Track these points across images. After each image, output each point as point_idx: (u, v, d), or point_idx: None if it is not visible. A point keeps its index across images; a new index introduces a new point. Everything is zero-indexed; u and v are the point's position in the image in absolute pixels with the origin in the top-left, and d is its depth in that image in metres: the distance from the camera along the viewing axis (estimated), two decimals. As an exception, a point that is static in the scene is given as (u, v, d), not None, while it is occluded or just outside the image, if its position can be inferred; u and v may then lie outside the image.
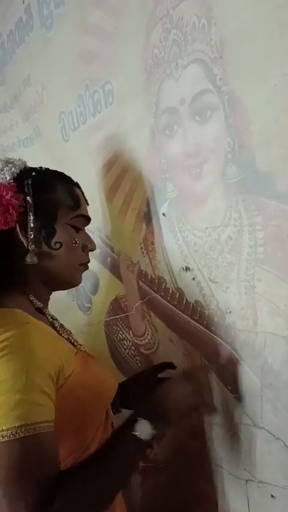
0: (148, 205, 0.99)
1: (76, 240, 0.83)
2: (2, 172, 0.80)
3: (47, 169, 0.85)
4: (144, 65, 0.93)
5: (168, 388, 0.80)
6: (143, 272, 1.03)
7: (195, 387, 0.82)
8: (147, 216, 1.00)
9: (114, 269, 1.14)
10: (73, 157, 1.21)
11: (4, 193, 0.76)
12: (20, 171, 0.81)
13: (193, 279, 0.89)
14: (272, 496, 0.75)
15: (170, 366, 0.95)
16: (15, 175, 0.80)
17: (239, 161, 0.75)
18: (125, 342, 1.14)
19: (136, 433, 0.71)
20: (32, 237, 0.77)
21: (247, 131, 0.73)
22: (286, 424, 0.72)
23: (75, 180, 0.88)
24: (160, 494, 1.05)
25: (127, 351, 1.14)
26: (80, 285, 0.90)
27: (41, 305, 0.79)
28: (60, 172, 0.86)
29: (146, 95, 0.94)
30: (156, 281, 1.00)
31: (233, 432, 0.83)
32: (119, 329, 1.16)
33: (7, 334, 0.66)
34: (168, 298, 0.96)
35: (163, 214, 0.95)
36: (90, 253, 0.89)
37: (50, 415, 0.65)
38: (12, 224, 0.77)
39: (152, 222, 0.99)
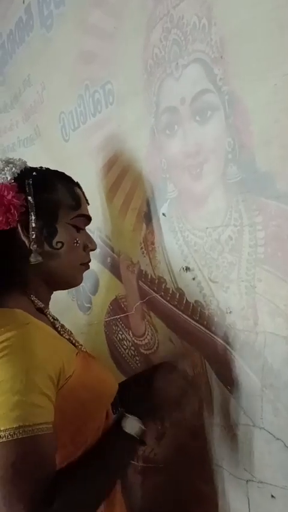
0: (148, 205, 0.99)
1: (77, 239, 0.83)
2: (3, 173, 0.80)
3: (48, 169, 0.86)
4: (144, 65, 0.93)
5: (153, 380, 0.80)
6: (143, 272, 1.03)
7: (179, 374, 0.81)
8: (147, 216, 1.00)
9: (114, 269, 1.14)
10: (73, 157, 1.21)
11: (5, 193, 0.76)
12: (21, 171, 0.81)
13: (193, 279, 0.89)
14: (272, 496, 0.75)
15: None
16: (16, 175, 0.80)
17: (239, 161, 0.75)
18: (125, 342, 1.14)
19: (126, 430, 0.71)
20: (33, 236, 0.78)
21: (247, 131, 0.73)
22: (286, 425, 0.72)
23: (75, 180, 0.89)
24: (160, 494, 1.05)
25: (127, 351, 1.14)
26: (80, 285, 0.90)
27: (42, 305, 0.79)
28: (61, 172, 0.87)
29: (146, 94, 0.94)
30: (156, 281, 0.99)
31: (233, 432, 0.83)
32: (118, 329, 1.16)
33: (8, 335, 0.66)
34: (168, 298, 0.96)
35: (163, 214, 0.95)
36: (90, 253, 0.89)
37: (49, 416, 0.65)
38: (13, 224, 0.77)
39: (152, 222, 0.99)
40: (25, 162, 0.84)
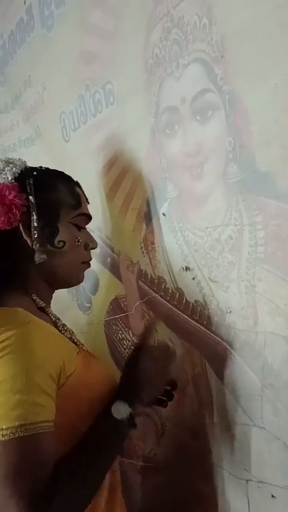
0: (148, 205, 0.99)
1: (78, 238, 0.83)
2: (4, 173, 0.80)
3: (47, 168, 0.86)
4: (144, 65, 0.93)
5: (138, 361, 0.79)
6: (143, 272, 1.03)
7: (159, 354, 0.80)
8: (147, 216, 1.00)
9: (114, 269, 1.14)
10: (74, 157, 1.21)
11: (7, 193, 0.76)
12: (21, 171, 0.81)
13: (193, 278, 0.89)
14: (273, 496, 0.75)
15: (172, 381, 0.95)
16: (17, 175, 0.80)
17: (240, 161, 0.75)
18: (125, 342, 1.14)
19: (114, 415, 0.71)
20: (36, 236, 0.78)
21: (247, 131, 0.73)
22: (286, 424, 0.72)
23: (76, 179, 0.89)
24: (160, 494, 1.05)
25: (127, 350, 1.13)
26: (80, 284, 0.90)
27: (44, 304, 0.79)
28: (61, 172, 0.87)
29: (147, 94, 0.94)
30: (156, 281, 0.99)
31: (233, 432, 0.83)
32: (118, 329, 1.16)
33: (8, 334, 0.66)
34: (168, 298, 0.96)
35: (163, 214, 0.95)
36: (90, 252, 0.89)
37: (50, 415, 0.65)
38: (15, 224, 0.77)
39: (152, 222, 0.99)
40: (25, 162, 0.84)
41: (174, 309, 0.94)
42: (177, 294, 0.93)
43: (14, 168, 0.81)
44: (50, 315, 0.81)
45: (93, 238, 0.89)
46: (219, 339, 0.84)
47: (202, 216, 0.85)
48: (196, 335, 0.89)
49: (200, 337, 0.88)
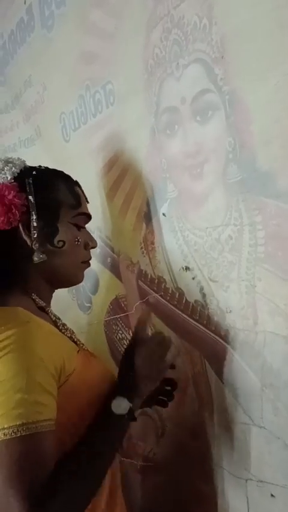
0: (148, 205, 0.99)
1: (78, 238, 0.83)
2: (3, 172, 0.80)
3: (47, 168, 0.86)
4: (145, 65, 0.93)
5: (131, 357, 0.78)
6: (143, 272, 1.03)
7: (154, 344, 0.79)
8: (147, 216, 1.00)
9: (114, 269, 1.14)
10: (74, 157, 1.21)
11: (6, 193, 0.76)
12: (21, 170, 0.81)
13: (193, 278, 0.89)
14: (272, 495, 0.75)
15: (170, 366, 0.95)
16: (16, 174, 0.80)
17: (240, 161, 0.75)
18: (125, 342, 1.14)
19: (114, 411, 0.71)
20: (35, 236, 0.77)
21: (248, 131, 0.73)
22: (286, 424, 0.72)
23: (75, 179, 0.89)
24: (160, 494, 1.05)
25: (127, 350, 1.14)
26: (80, 284, 0.90)
27: (44, 304, 0.79)
28: (60, 171, 0.87)
29: (147, 94, 0.94)
30: (156, 281, 1.00)
31: (232, 432, 0.83)
32: (118, 329, 1.16)
33: (8, 333, 0.66)
34: (168, 298, 0.96)
35: (163, 214, 0.95)
36: (90, 251, 0.89)
37: (51, 413, 0.65)
38: (15, 224, 0.77)
39: (152, 222, 0.99)
40: (24, 162, 0.84)
41: (174, 308, 0.94)
42: (177, 294, 0.93)
43: (14, 168, 0.80)
44: (50, 314, 0.81)
45: (92, 237, 0.89)
46: (219, 339, 0.84)
47: (202, 216, 0.85)
48: (196, 335, 0.89)
49: (200, 336, 0.88)
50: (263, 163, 0.71)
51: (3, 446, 0.61)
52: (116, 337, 1.16)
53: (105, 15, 1.04)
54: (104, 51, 1.06)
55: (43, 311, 0.79)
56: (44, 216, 0.79)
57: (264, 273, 0.73)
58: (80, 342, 0.84)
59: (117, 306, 1.15)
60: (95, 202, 1.11)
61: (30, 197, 0.78)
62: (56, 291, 0.87)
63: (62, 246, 0.81)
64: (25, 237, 0.78)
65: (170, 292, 0.96)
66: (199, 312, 0.88)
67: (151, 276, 1.01)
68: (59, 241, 0.80)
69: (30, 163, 0.85)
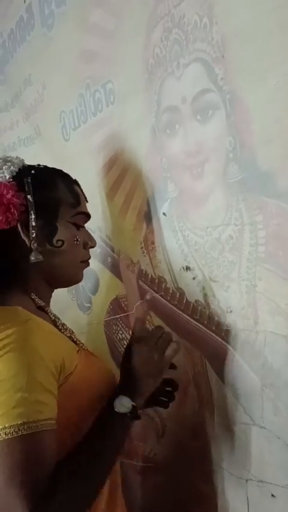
0: (149, 204, 0.99)
1: (77, 237, 0.83)
2: (1, 171, 0.79)
3: (46, 166, 0.85)
4: (145, 64, 0.93)
5: (131, 355, 0.78)
6: (143, 272, 1.03)
7: (153, 342, 0.79)
8: (147, 216, 1.00)
9: (115, 269, 1.14)
10: (74, 157, 1.21)
11: (5, 192, 0.76)
12: (19, 169, 0.81)
13: (193, 278, 0.89)
14: (273, 495, 0.75)
15: (171, 366, 0.94)
16: (15, 173, 0.79)
17: (240, 160, 0.75)
18: (125, 342, 1.13)
19: (116, 409, 0.71)
20: (34, 235, 0.77)
21: (248, 130, 0.73)
22: (287, 424, 0.72)
23: (75, 178, 0.88)
24: (160, 494, 1.05)
25: (127, 350, 1.13)
26: (80, 284, 0.90)
27: (43, 303, 0.79)
28: (59, 170, 0.86)
29: (147, 93, 0.94)
30: (157, 281, 0.99)
31: (233, 432, 0.83)
32: (118, 329, 1.16)
33: (8, 332, 0.66)
34: (169, 298, 0.96)
35: (164, 213, 0.95)
36: (90, 253, 0.89)
37: (52, 412, 0.65)
38: (13, 223, 0.76)
39: (152, 222, 0.99)
40: (23, 160, 0.84)
41: (174, 308, 0.94)
42: (178, 294, 0.93)
43: (12, 167, 0.80)
44: (50, 314, 0.81)
45: (92, 237, 0.88)
46: (220, 339, 0.84)
47: (202, 216, 0.85)
48: (197, 335, 0.89)
49: (200, 336, 0.88)
50: (263, 162, 0.71)
51: (5, 445, 0.61)
52: (116, 337, 1.16)
53: (105, 14, 1.04)
54: (104, 50, 1.06)
55: (42, 311, 0.79)
56: (43, 215, 0.79)
57: (265, 272, 0.72)
58: (79, 341, 0.84)
59: (117, 306, 1.15)
60: (95, 202, 1.10)
61: (28, 196, 0.78)
62: (55, 291, 0.87)
63: (61, 246, 0.80)
64: (23, 237, 0.77)
65: (170, 292, 0.95)
66: (200, 312, 0.88)
67: (151, 275, 1.01)
68: (58, 240, 0.80)
69: (30, 162, 0.85)
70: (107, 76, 1.06)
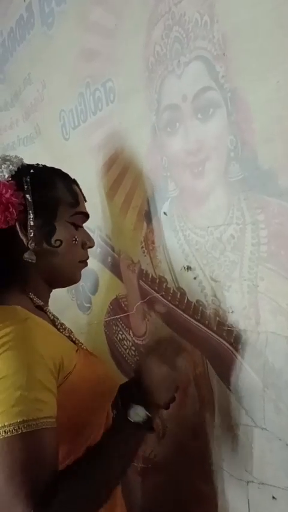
0: (149, 203, 0.99)
1: (76, 237, 0.83)
2: (0, 170, 0.79)
3: (45, 166, 0.85)
4: (145, 62, 0.93)
5: (144, 368, 0.79)
6: (144, 271, 1.03)
7: (167, 359, 0.80)
8: (148, 215, 0.99)
9: (115, 268, 1.14)
10: (74, 156, 1.20)
11: (3, 191, 0.75)
12: (18, 168, 0.80)
13: (194, 278, 0.88)
14: (274, 497, 0.75)
15: None
16: (13, 172, 0.79)
17: (242, 159, 0.74)
18: (125, 342, 1.13)
19: (130, 419, 0.70)
20: (32, 235, 0.77)
21: (249, 129, 0.72)
22: (288, 425, 0.72)
23: (75, 178, 0.88)
24: (160, 494, 1.04)
25: (127, 351, 1.13)
26: (79, 284, 0.89)
27: (41, 303, 0.79)
28: (58, 169, 0.86)
29: (148, 92, 0.93)
30: (157, 280, 0.99)
31: (234, 432, 0.83)
32: (119, 329, 1.15)
33: (7, 330, 0.66)
34: (169, 298, 0.95)
35: (164, 213, 0.94)
36: (90, 252, 0.89)
37: (52, 411, 0.65)
38: (12, 223, 0.76)
39: (153, 221, 0.98)
40: (22, 160, 0.83)
41: (175, 308, 0.94)
42: (179, 294, 0.93)
43: (11, 166, 0.80)
44: (48, 313, 0.81)
45: (90, 237, 0.88)
46: (221, 339, 0.83)
47: (203, 215, 0.84)
48: (198, 335, 0.88)
49: (201, 337, 0.87)
50: (264, 161, 0.71)
51: (4, 444, 0.60)
52: (116, 337, 1.16)
53: (105, 12, 1.03)
54: (105, 49, 1.05)
55: (41, 310, 0.79)
56: (41, 214, 0.79)
57: (267, 272, 0.72)
58: (78, 341, 0.83)
59: (117, 306, 1.14)
60: (95, 201, 1.10)
61: (27, 196, 0.77)
62: (54, 291, 0.86)
63: (59, 245, 0.80)
64: (21, 236, 0.77)
65: (171, 292, 0.95)
66: (201, 312, 0.88)
67: (152, 275, 1.00)
68: (56, 240, 0.80)
69: (30, 161, 0.85)
70: (107, 74, 1.05)
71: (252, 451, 0.79)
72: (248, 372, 0.78)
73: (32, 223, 0.77)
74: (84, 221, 0.88)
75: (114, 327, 1.16)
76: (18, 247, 0.77)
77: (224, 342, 0.82)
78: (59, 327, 0.81)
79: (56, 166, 0.87)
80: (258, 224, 0.73)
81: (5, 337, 0.65)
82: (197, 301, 0.88)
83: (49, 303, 0.85)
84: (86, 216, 0.88)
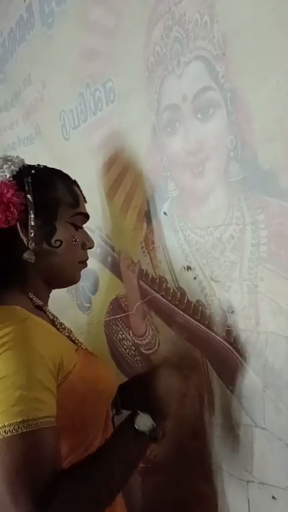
0: (149, 203, 0.99)
1: (76, 238, 0.83)
2: (1, 170, 0.79)
3: (45, 166, 0.85)
4: (145, 62, 0.93)
5: (153, 389, 0.79)
6: (144, 271, 1.03)
7: (181, 372, 0.81)
8: (148, 215, 0.99)
9: (115, 268, 1.14)
10: (74, 156, 1.20)
11: (5, 191, 0.76)
12: (19, 168, 0.81)
13: (194, 278, 0.88)
14: (274, 497, 0.75)
15: None
16: (15, 173, 0.79)
17: (242, 159, 0.74)
18: (125, 342, 1.13)
19: (136, 427, 0.71)
20: (32, 235, 0.77)
21: (249, 129, 0.72)
22: (288, 425, 0.72)
23: (75, 178, 0.88)
24: (160, 494, 1.04)
25: (127, 351, 1.13)
26: (79, 284, 0.89)
27: (41, 303, 0.79)
28: (59, 170, 0.86)
29: (148, 92, 0.93)
30: (157, 280, 0.99)
31: (234, 433, 0.83)
32: (119, 329, 1.15)
33: (6, 330, 0.66)
34: (169, 298, 0.95)
35: (164, 213, 0.94)
36: (90, 252, 0.89)
37: (51, 410, 0.65)
38: (13, 222, 0.76)
39: (153, 221, 0.98)
40: (23, 160, 0.84)
41: (175, 308, 0.94)
42: (179, 294, 0.93)
43: (12, 166, 0.80)
44: (48, 313, 0.81)
45: (90, 237, 0.88)
46: (221, 339, 0.83)
47: (203, 215, 0.84)
48: (197, 335, 0.88)
49: (201, 337, 0.87)
50: (264, 161, 0.71)
51: (4, 444, 0.60)
52: (116, 337, 1.16)
53: (105, 12, 1.03)
54: (105, 49, 1.05)
55: (40, 310, 0.79)
56: (42, 215, 0.79)
57: (267, 272, 0.72)
58: (78, 341, 0.83)
59: (117, 306, 1.14)
60: (95, 201, 1.10)
61: (28, 196, 0.78)
62: (54, 291, 0.86)
63: (59, 246, 0.80)
64: (22, 236, 0.77)
65: (171, 292, 0.95)
66: (201, 312, 0.88)
67: (152, 275, 1.00)
68: (56, 240, 0.80)
69: (30, 161, 0.85)
70: (107, 75, 1.05)
71: (252, 451, 0.79)
72: (248, 372, 0.78)
73: (32, 223, 0.77)
74: (84, 222, 0.88)
75: (114, 327, 1.16)
76: (18, 247, 0.78)
77: (224, 342, 0.82)
78: (58, 326, 0.81)
79: (56, 167, 0.87)
80: (258, 224, 0.73)
81: (5, 337, 0.65)
82: (197, 301, 0.88)
83: (49, 303, 0.85)
84: (86, 216, 0.88)
